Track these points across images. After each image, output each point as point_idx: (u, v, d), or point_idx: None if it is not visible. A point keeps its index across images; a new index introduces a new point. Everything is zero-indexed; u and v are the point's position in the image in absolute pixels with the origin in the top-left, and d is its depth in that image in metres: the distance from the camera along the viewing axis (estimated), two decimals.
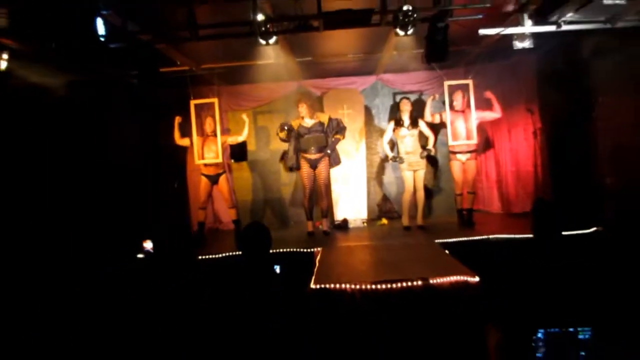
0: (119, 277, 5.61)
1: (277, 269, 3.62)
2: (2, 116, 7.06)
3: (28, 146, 7.17)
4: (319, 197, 8.80)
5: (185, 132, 8.78)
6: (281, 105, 10.20)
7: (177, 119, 8.69)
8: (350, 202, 9.67)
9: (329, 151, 8.52)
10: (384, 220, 9.64)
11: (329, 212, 8.95)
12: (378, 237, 8.25)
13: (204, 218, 8.93)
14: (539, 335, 2.05)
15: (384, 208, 10.11)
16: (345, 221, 9.44)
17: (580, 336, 2.06)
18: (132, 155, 8.91)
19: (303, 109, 8.56)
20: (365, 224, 9.52)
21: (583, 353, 2.06)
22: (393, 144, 9.05)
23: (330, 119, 8.62)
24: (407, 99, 8.83)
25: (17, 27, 6.22)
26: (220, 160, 8.66)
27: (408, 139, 8.62)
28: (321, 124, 8.57)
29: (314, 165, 8.54)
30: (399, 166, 8.83)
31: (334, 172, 9.54)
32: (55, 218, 7.30)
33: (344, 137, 8.63)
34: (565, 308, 2.39)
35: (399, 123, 8.68)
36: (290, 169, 8.81)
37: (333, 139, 8.53)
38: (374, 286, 5.28)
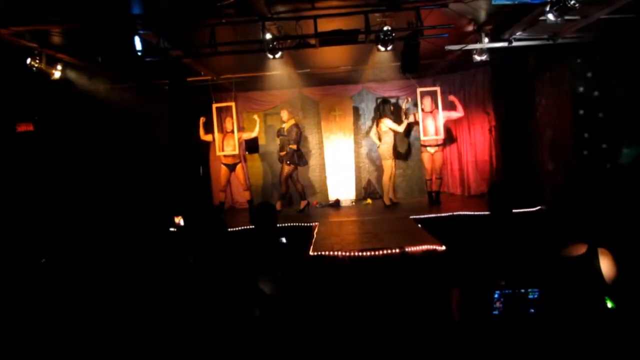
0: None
1: (284, 239, 3.58)
2: (59, 118, 7.01)
3: (77, 143, 7.12)
4: (294, 183, 8.96)
5: (208, 129, 8.72)
6: (286, 107, 10.07)
7: (202, 119, 8.64)
8: (341, 185, 9.62)
9: (288, 162, 8.72)
10: (369, 200, 9.62)
11: (304, 194, 9.03)
12: (364, 214, 8.23)
13: (224, 198, 8.94)
14: (495, 295, 2.01)
15: (368, 190, 10.07)
16: (337, 201, 9.41)
17: (530, 296, 2.02)
18: (166, 148, 8.86)
19: (284, 114, 8.76)
20: (353, 203, 9.49)
21: (532, 310, 2.02)
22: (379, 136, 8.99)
23: (293, 125, 8.77)
24: (388, 102, 8.84)
25: (70, 44, 6.13)
26: (237, 152, 8.60)
27: (388, 134, 8.64)
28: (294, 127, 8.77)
29: (283, 160, 8.86)
30: (380, 155, 8.89)
31: (329, 160, 9.66)
32: (115, 200, 7.28)
33: (296, 147, 8.76)
34: (516, 274, 2.36)
35: (379, 121, 8.75)
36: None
37: (288, 149, 8.71)
38: (360, 253, 5.27)
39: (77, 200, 6.83)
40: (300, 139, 8.80)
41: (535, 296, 1.95)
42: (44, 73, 6.26)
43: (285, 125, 8.79)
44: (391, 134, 8.67)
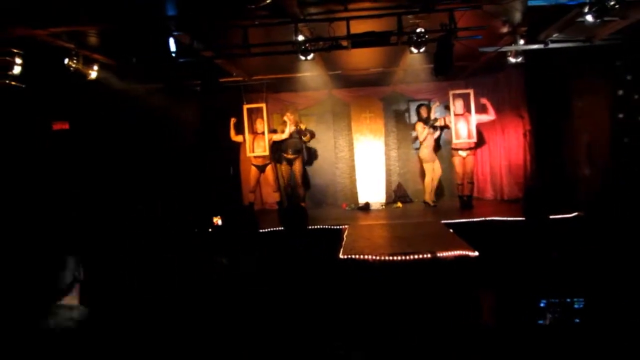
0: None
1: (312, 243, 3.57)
2: (93, 117, 7.14)
3: (110, 143, 7.24)
4: (296, 186, 9.11)
5: (239, 130, 8.79)
6: (316, 109, 10.14)
7: (233, 120, 8.71)
8: (371, 188, 9.54)
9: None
10: (399, 204, 9.52)
11: (305, 197, 9.22)
12: (394, 217, 8.16)
13: (253, 199, 9.04)
14: (542, 304, 1.95)
15: (398, 193, 9.98)
16: (367, 204, 9.34)
17: (576, 305, 1.95)
18: (196, 148, 8.96)
19: (289, 118, 8.80)
20: (383, 207, 9.40)
21: (577, 320, 1.95)
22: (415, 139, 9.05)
23: (305, 128, 9.06)
24: (426, 105, 8.88)
25: (105, 45, 6.25)
26: (267, 153, 8.65)
27: (429, 137, 8.73)
28: (299, 130, 8.92)
29: (290, 162, 8.99)
30: (419, 158, 9.03)
31: (359, 163, 9.63)
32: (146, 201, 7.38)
33: (308, 140, 9.12)
34: (558, 281, 2.29)
35: (426, 123, 8.78)
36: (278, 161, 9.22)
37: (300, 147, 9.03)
38: (390, 257, 5.22)
39: (109, 199, 6.94)
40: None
41: (581, 305, 1.88)
42: (81, 73, 6.38)
43: (291, 128, 8.82)
44: (431, 136, 8.75)
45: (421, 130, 8.77)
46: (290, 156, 8.90)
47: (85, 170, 6.89)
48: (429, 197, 8.92)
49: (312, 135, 9.08)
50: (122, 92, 7.33)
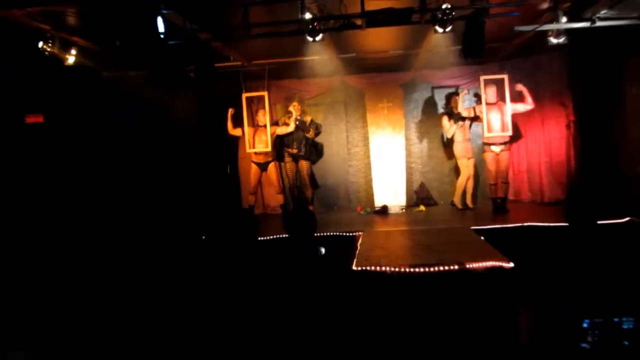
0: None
1: (323, 250, 3.58)
2: (72, 109, 7.19)
3: (90, 137, 7.29)
4: (304, 187, 9.02)
5: (237, 122, 8.81)
6: (326, 99, 10.15)
7: (230, 111, 8.74)
8: (390, 189, 9.54)
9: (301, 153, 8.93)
10: (422, 207, 9.51)
11: (313, 199, 9.15)
12: (416, 223, 8.13)
13: (253, 202, 9.08)
14: (585, 325, 1.94)
15: (421, 195, 9.96)
16: (384, 207, 9.34)
17: (624, 326, 1.94)
18: (189, 142, 8.99)
19: (292, 108, 8.76)
20: (403, 210, 9.40)
21: (626, 342, 1.94)
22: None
23: (311, 121, 9.00)
24: (457, 94, 8.90)
25: (85, 26, 6.29)
26: (269, 149, 8.68)
27: (463, 129, 8.80)
28: (304, 122, 8.86)
29: (296, 159, 8.92)
30: (454, 154, 9.03)
31: (375, 160, 9.65)
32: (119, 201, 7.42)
33: (312, 135, 8.96)
34: (606, 298, 2.27)
35: (451, 116, 8.87)
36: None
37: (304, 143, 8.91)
38: (411, 269, 5.20)
39: (85, 202, 6.99)
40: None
41: (631, 326, 1.87)
42: (57, 58, 6.43)
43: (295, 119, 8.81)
44: (465, 129, 8.79)
45: (447, 124, 8.77)
46: (295, 152, 8.90)
47: (61, 170, 6.93)
48: (458, 198, 8.95)
49: (318, 130, 8.96)
50: (105, 80, 7.39)
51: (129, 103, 7.88)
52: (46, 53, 6.25)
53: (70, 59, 6.64)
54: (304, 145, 8.87)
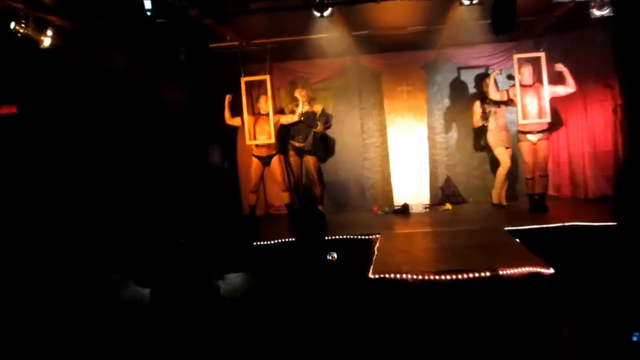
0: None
1: (334, 256, 3.59)
2: (50, 98, 7.22)
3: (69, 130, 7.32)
4: (311, 184, 9.04)
5: (236, 111, 8.81)
6: (336, 82, 10.12)
7: (228, 98, 8.72)
8: (411, 185, 9.55)
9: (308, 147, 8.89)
10: (448, 205, 9.50)
11: (322, 198, 9.14)
12: (441, 223, 8.16)
13: (255, 201, 9.06)
14: (635, 338, 1.93)
15: (447, 192, 9.94)
16: (405, 206, 9.33)
17: None
18: (181, 135, 9.01)
19: (298, 94, 8.72)
20: (427, 209, 9.40)
21: None
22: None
23: (322, 110, 8.95)
24: (487, 75, 8.94)
25: (63, 4, 6.30)
26: (272, 141, 8.68)
27: (497, 115, 8.83)
28: (314, 113, 8.86)
29: (302, 153, 8.91)
30: (489, 144, 9.01)
31: (394, 151, 9.67)
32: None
33: (321, 129, 8.92)
34: None
35: (484, 100, 8.85)
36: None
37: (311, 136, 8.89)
38: (437, 277, 5.22)
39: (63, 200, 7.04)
40: None
41: None
42: (31, 40, 6.45)
43: (302, 108, 8.79)
44: (499, 116, 8.81)
45: (479, 110, 8.75)
46: (301, 144, 8.90)
47: (37, 166, 6.96)
48: (496, 194, 8.95)
49: (328, 123, 8.96)
50: (86, 65, 7.40)
51: (113, 90, 7.89)
52: (19, 35, 6.27)
53: (46, 41, 6.66)
54: (310, 138, 8.87)
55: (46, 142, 7.08)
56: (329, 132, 9.36)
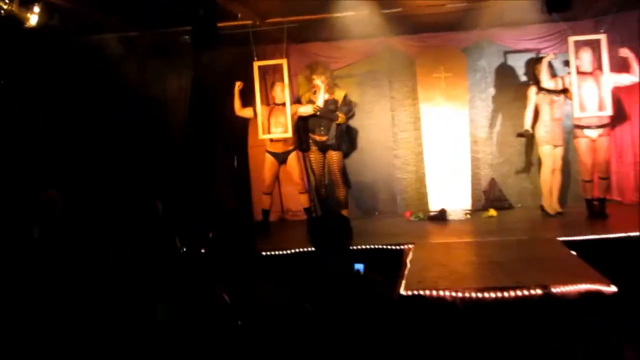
0: None
1: (360, 268, 3.59)
2: (36, 83, 7.28)
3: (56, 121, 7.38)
4: (334, 185, 9.04)
5: (248, 100, 8.82)
6: (362, 68, 10.13)
7: (238, 85, 8.72)
8: (450, 188, 9.52)
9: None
10: (492, 212, 9.44)
11: (347, 202, 9.15)
12: (485, 232, 8.14)
13: (269, 205, 9.05)
14: None
15: (492, 195, 9.89)
16: (442, 212, 9.30)
17: None
18: (184, 127, 9.04)
19: (321, 81, 8.65)
20: (468, 216, 9.37)
21: None
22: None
23: (345, 97, 8.92)
24: (539, 61, 8.81)
25: None
26: (289, 134, 8.64)
27: (552, 107, 8.69)
28: (334, 101, 8.81)
29: (324, 149, 8.88)
30: (536, 139, 8.93)
31: (430, 148, 9.64)
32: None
33: (343, 121, 8.86)
34: None
35: (540, 88, 8.71)
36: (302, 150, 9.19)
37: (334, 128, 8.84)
38: (479, 294, 5.18)
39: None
40: None
41: None
42: (16, 18, 6.50)
43: (322, 97, 8.72)
44: (554, 106, 8.67)
45: (534, 98, 8.65)
46: (323, 138, 8.88)
47: (19, 158, 7.03)
48: (547, 200, 8.83)
49: (350, 113, 8.95)
50: (78, 47, 7.45)
51: (107, 77, 7.95)
52: (1, 12, 6.31)
53: (33, 19, 6.70)
54: (334, 130, 8.84)
55: (34, 132, 7.15)
56: (354, 124, 9.35)
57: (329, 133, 8.81)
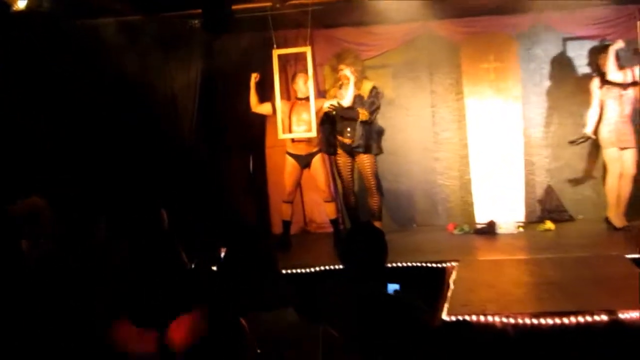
0: None
1: (396, 289, 3.58)
2: (25, 71, 7.37)
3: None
4: (367, 193, 9.02)
5: (266, 94, 8.83)
6: (397, 57, 10.14)
7: (254, 77, 8.72)
8: (499, 196, 9.46)
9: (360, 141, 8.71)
10: (549, 224, 9.39)
11: (380, 212, 9.11)
12: (540, 248, 8.10)
13: (290, 216, 9.03)
14: None
15: (548, 205, 9.86)
16: (491, 224, 9.26)
17: None
18: (192, 127, 9.08)
19: (349, 72, 8.57)
20: (521, 229, 9.31)
21: None
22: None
23: (372, 90, 8.77)
24: (604, 49, 8.78)
25: None
26: (314, 134, 8.65)
27: (619, 102, 8.63)
28: (360, 97, 8.68)
29: (352, 151, 8.83)
30: (600, 141, 8.89)
31: (476, 150, 9.59)
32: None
33: (366, 118, 8.65)
34: None
35: (605, 81, 8.67)
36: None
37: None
38: (535, 320, 5.17)
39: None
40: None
41: None
42: (3, 2, 6.59)
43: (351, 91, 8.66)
44: (624, 102, 8.61)
45: (598, 92, 8.61)
46: (348, 142, 8.84)
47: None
48: (612, 211, 8.80)
49: (373, 106, 8.77)
50: (71, 33, 7.52)
51: (104, 69, 8.01)
52: None
53: (21, 3, 6.78)
54: (360, 129, 8.76)
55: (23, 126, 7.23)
56: (388, 122, 9.34)
57: (353, 134, 8.68)
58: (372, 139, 8.88)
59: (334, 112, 8.59)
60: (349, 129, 8.66)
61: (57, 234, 5.45)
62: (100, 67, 7.99)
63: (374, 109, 8.75)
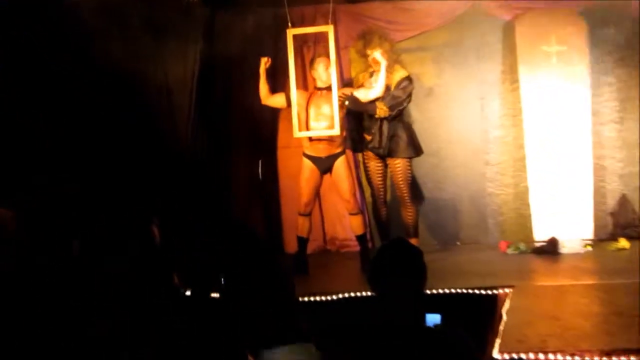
0: None
1: (437, 321, 3.56)
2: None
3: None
4: (400, 203, 8.97)
5: (278, 83, 8.83)
6: (437, 39, 10.17)
7: (265, 62, 8.67)
8: (562, 209, 9.45)
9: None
10: (623, 242, 9.35)
11: (417, 227, 9.07)
12: (613, 271, 8.03)
13: (307, 231, 8.95)
14: None
15: (622, 219, 9.81)
16: (553, 242, 9.23)
17: None
18: (190, 124, 9.12)
19: (379, 55, 8.48)
20: (589, 248, 9.29)
21: None
22: None
23: (402, 80, 8.70)
24: None
25: None
26: (337, 131, 8.53)
27: None
28: (388, 88, 8.61)
29: (383, 154, 8.82)
30: None
31: (534, 152, 9.57)
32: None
33: (385, 114, 8.61)
34: None
35: None
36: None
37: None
38: (606, 359, 5.09)
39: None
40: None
41: None
42: None
43: (383, 79, 8.53)
44: None
45: None
46: (375, 147, 8.82)
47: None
48: None
49: (395, 101, 8.71)
50: (47, 11, 7.58)
51: (85, 54, 8.05)
52: None
53: None
54: (386, 129, 8.74)
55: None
56: (425, 116, 9.33)
57: (380, 136, 8.69)
58: (401, 139, 8.80)
59: (346, 102, 8.48)
60: (373, 129, 8.60)
61: (23, 248, 5.51)
62: (78, 52, 8.03)
63: (395, 103, 8.64)
